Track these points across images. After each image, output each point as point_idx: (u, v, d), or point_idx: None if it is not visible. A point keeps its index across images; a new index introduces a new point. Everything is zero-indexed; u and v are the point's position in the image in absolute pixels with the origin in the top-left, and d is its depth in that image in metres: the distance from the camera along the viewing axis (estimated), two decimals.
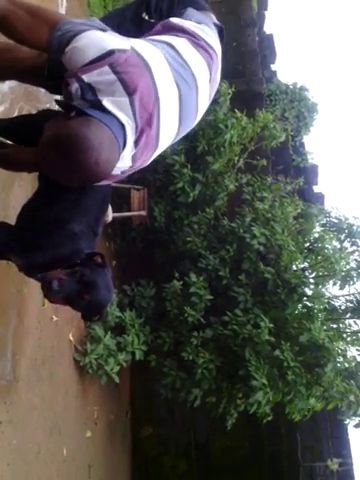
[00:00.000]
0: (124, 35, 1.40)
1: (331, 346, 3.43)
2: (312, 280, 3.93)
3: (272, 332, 3.51)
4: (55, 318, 3.10)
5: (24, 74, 1.64)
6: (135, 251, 4.65)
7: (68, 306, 1.58)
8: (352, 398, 3.42)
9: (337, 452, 4.56)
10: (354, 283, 3.88)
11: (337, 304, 4.06)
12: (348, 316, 3.96)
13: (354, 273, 3.88)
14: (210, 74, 1.56)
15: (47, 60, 1.32)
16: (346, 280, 3.90)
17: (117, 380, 3.59)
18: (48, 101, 2.96)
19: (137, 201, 4.34)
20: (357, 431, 3.74)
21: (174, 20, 1.58)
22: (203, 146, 4.18)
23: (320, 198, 5.59)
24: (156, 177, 4.42)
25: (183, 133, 1.57)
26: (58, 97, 1.49)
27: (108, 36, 1.31)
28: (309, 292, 3.83)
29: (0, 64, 1.48)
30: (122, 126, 1.26)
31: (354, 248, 4.18)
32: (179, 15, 1.62)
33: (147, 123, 1.32)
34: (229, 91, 4.32)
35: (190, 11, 1.63)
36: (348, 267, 3.92)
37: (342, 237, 4.24)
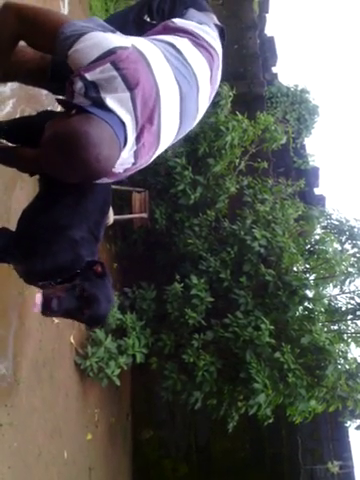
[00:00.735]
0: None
1: (332, 348, 3.44)
2: (313, 282, 3.93)
3: (273, 334, 3.51)
4: (56, 321, 3.09)
5: (28, 76, 1.66)
6: (136, 253, 4.65)
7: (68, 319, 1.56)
8: (359, 396, 3.43)
9: (338, 455, 4.56)
10: (354, 280, 3.89)
11: (338, 305, 4.06)
12: (349, 317, 3.96)
13: (355, 274, 3.88)
14: (211, 73, 1.56)
15: (51, 61, 1.33)
16: (346, 281, 3.91)
17: (118, 383, 3.59)
18: (50, 103, 2.97)
19: (138, 203, 4.34)
20: (358, 433, 3.75)
21: (175, 21, 1.58)
22: (204, 148, 4.19)
23: (321, 200, 5.60)
24: (157, 179, 4.43)
25: (184, 132, 1.57)
26: (60, 97, 1.50)
27: (110, 35, 1.32)
28: (310, 294, 3.83)
29: (4, 67, 1.49)
30: (123, 123, 1.27)
31: (355, 250, 4.18)
32: (181, 16, 1.63)
33: (148, 119, 1.32)
34: (230, 93, 4.33)
35: (191, 12, 1.65)
36: (349, 269, 3.92)
37: (343, 239, 4.26)
